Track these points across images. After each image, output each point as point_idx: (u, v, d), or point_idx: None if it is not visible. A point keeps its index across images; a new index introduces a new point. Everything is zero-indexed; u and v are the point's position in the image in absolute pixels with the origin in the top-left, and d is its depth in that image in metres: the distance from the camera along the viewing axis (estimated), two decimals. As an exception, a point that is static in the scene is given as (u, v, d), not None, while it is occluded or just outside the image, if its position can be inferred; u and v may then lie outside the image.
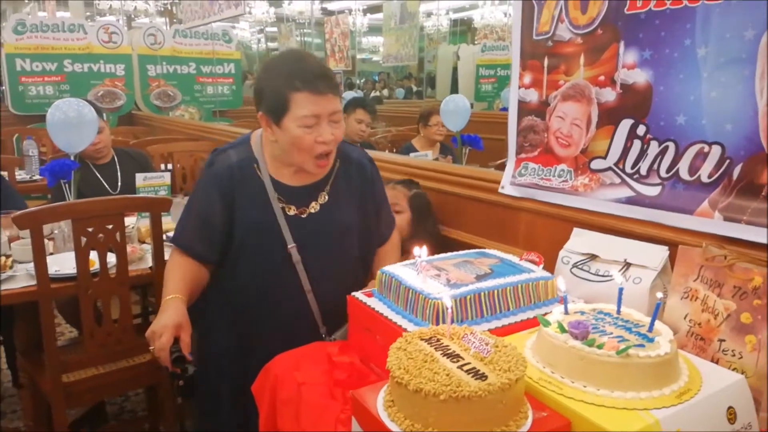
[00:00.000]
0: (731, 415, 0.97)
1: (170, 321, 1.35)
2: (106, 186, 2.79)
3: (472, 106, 8.11)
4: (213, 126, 4.47)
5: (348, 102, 3.92)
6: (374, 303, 1.28)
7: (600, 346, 0.96)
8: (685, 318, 1.18)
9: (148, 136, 4.67)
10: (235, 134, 3.72)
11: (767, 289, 1.03)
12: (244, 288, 1.53)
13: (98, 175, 2.80)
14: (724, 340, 1.09)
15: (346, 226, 1.58)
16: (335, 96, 1.45)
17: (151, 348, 1.34)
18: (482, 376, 0.86)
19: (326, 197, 1.57)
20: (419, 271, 1.24)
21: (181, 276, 1.49)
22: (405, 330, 1.15)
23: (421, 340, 0.99)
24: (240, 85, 6.26)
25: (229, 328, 1.55)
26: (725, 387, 0.98)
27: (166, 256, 2.04)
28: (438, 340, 0.99)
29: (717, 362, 1.10)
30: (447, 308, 1.01)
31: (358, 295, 1.33)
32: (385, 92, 11.34)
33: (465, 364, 0.90)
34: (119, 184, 2.82)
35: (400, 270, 1.29)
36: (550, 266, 1.47)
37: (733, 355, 1.07)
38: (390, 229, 1.71)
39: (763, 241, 1.14)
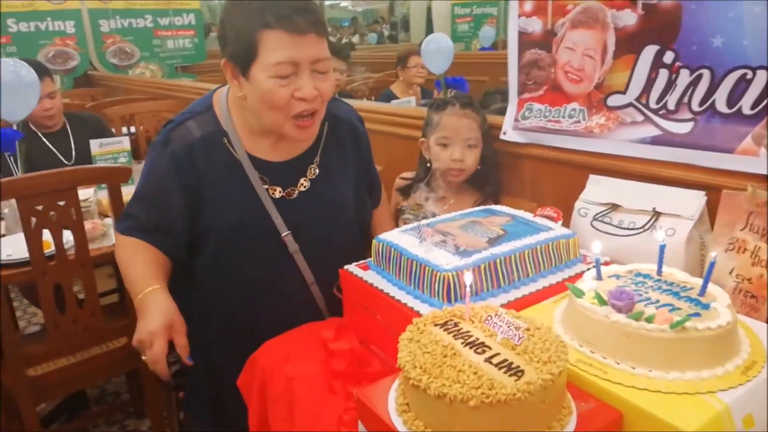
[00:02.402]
0: (801, 387, 0.83)
1: (158, 323, 1.08)
2: (60, 157, 2.52)
3: (448, 47, 7.83)
4: (176, 83, 4.16)
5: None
6: (371, 277, 1.10)
7: (650, 319, 0.80)
8: (731, 273, 1.03)
9: (108, 97, 4.34)
10: (203, 91, 3.44)
11: (837, 238, 0.88)
12: (233, 287, 1.26)
13: (49, 145, 2.53)
14: (781, 298, 0.94)
15: (342, 202, 1.33)
16: (320, 37, 1.13)
17: (143, 358, 1.09)
18: (518, 372, 0.70)
19: (316, 170, 1.29)
20: (422, 238, 1.06)
21: (147, 260, 1.20)
22: (411, 308, 0.98)
23: (436, 326, 0.82)
24: (202, 38, 5.84)
25: (223, 330, 1.29)
26: (793, 355, 0.84)
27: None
28: (456, 326, 0.82)
29: (774, 323, 0.95)
30: (465, 286, 0.84)
31: (352, 268, 1.15)
32: (356, 38, 10.87)
33: (494, 356, 0.74)
34: (73, 153, 2.55)
35: (398, 237, 1.11)
36: (564, 219, 1.30)
37: (793, 315, 0.93)
38: (380, 189, 1.51)
39: (821, 180, 0.98)
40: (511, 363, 0.72)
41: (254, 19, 1.10)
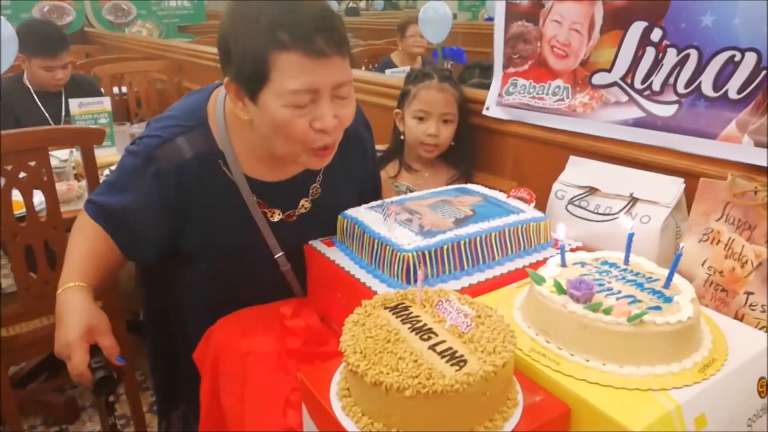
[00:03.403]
0: (762, 387, 0.81)
1: (75, 333, 0.94)
2: (48, 118, 2.46)
3: (455, 16, 7.64)
4: (172, 44, 4.05)
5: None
6: (334, 254, 1.07)
7: (607, 311, 0.77)
8: (703, 264, 0.99)
9: (103, 55, 4.25)
10: (198, 53, 3.35)
11: (812, 234, 0.84)
12: (219, 294, 1.14)
13: (40, 106, 2.47)
14: (752, 293, 0.91)
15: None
16: (342, 58, 0.96)
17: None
18: (460, 362, 0.67)
19: (319, 190, 1.17)
20: (386, 216, 1.02)
21: (88, 249, 1.07)
22: (369, 288, 0.95)
23: (386, 309, 0.79)
24: (202, -3, 5.71)
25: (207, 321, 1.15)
26: (756, 354, 0.81)
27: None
28: (406, 309, 0.79)
29: (742, 319, 0.92)
30: (419, 266, 0.81)
31: (316, 243, 1.12)
32: (363, 4, 10.63)
33: (438, 344, 0.71)
34: (63, 116, 2.49)
35: (364, 214, 1.07)
36: (542, 201, 1.26)
37: (763, 311, 0.90)
38: (380, 187, 1.39)
39: (804, 171, 0.93)
40: (455, 352, 0.69)
41: (265, 37, 0.92)
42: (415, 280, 0.94)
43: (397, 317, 0.77)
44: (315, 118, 0.96)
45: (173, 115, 1.12)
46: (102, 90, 2.92)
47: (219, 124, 1.08)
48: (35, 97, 2.48)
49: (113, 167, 2.03)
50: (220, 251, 1.12)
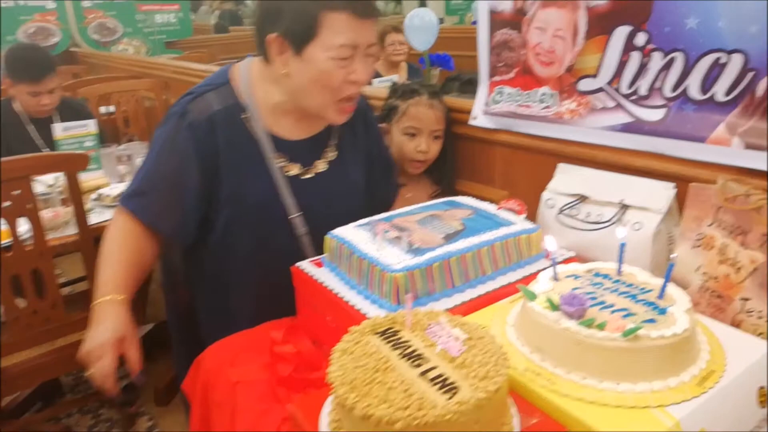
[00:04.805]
0: (763, 397, 0.79)
1: (109, 336, 1.02)
2: (38, 145, 2.37)
3: (442, 20, 7.63)
4: (157, 61, 4.01)
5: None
6: (323, 275, 1.05)
7: (601, 326, 0.75)
8: (697, 270, 0.97)
9: (91, 75, 4.22)
10: (184, 70, 3.33)
11: (806, 238, 0.82)
12: (242, 263, 1.23)
13: (29, 133, 2.39)
14: (748, 299, 0.89)
15: (356, 189, 1.32)
16: (375, 22, 1.16)
17: (87, 373, 1.02)
18: (452, 389, 0.65)
19: (335, 152, 1.29)
20: (374, 235, 1.00)
21: (124, 259, 1.14)
22: (358, 311, 0.93)
23: (375, 334, 0.77)
24: (188, 12, 5.68)
25: (241, 298, 1.25)
26: (754, 362, 0.79)
27: (93, 220, 1.80)
28: (396, 334, 0.77)
29: (739, 325, 0.90)
30: (409, 286, 0.79)
31: (305, 265, 1.10)
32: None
33: (430, 370, 0.69)
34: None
35: (352, 233, 1.05)
36: (533, 210, 1.24)
37: (760, 317, 0.88)
38: (396, 182, 1.45)
39: (795, 173, 0.92)
40: (446, 378, 0.67)
41: None
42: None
43: (387, 343, 0.75)
44: (352, 71, 1.13)
45: (201, 83, 1.25)
46: (91, 112, 2.87)
47: (243, 83, 1.21)
48: (26, 123, 2.43)
49: (102, 190, 2.03)
50: (241, 203, 1.19)
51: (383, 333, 0.77)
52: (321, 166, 1.27)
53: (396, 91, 1.52)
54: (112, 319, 1.04)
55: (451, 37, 4.48)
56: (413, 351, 0.73)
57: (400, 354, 0.72)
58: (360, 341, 0.75)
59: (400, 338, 0.76)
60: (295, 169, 1.23)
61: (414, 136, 1.46)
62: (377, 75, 3.35)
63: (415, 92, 1.47)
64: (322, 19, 1.08)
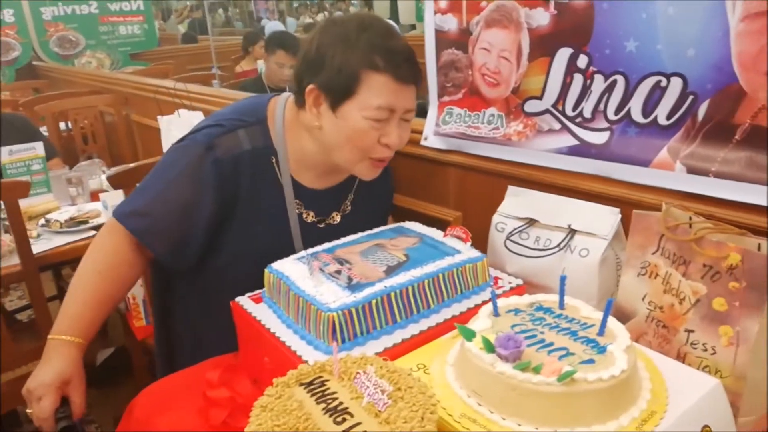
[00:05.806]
0: (705, 436, 0.76)
1: (54, 378, 1.00)
2: None
3: (414, 27, 7.63)
4: (117, 76, 3.88)
5: (266, 41, 3.50)
6: (261, 312, 1.01)
7: (537, 369, 0.72)
8: (643, 299, 0.95)
9: (53, 90, 4.11)
10: (142, 86, 3.23)
11: (746, 269, 0.80)
12: (221, 295, 1.12)
13: None
14: (692, 331, 0.87)
15: None
16: (416, 89, 1.14)
17: (28, 411, 1.01)
18: (373, 449, 0.62)
19: (349, 206, 1.29)
20: (312, 270, 0.97)
21: (98, 299, 1.09)
22: (294, 353, 0.89)
23: (301, 385, 0.73)
24: (152, 23, 5.58)
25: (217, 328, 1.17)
26: (698, 400, 0.77)
27: (37, 249, 1.73)
28: (323, 384, 0.73)
29: (684, 358, 0.88)
30: (345, 325, 0.76)
31: (243, 300, 1.06)
32: (320, 17, 10.60)
33: (353, 427, 0.65)
34: None
35: (290, 268, 1.01)
36: (485, 233, 1.22)
37: (705, 350, 0.86)
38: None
39: (736, 198, 0.90)
40: (370, 436, 0.63)
41: (362, 56, 1.07)
42: (343, 341, 0.89)
43: (311, 395, 0.71)
44: (384, 134, 1.11)
45: (234, 110, 1.21)
46: (38, 128, 2.77)
47: (278, 125, 1.18)
48: None
49: (50, 215, 1.95)
50: (252, 244, 1.17)
51: (309, 384, 0.73)
52: (335, 218, 1.27)
53: None
54: (61, 361, 1.02)
55: (422, 45, 4.46)
56: (339, 404, 0.69)
57: (324, 409, 0.68)
58: (282, 395, 0.71)
59: (326, 389, 0.72)
60: (310, 217, 1.23)
61: None
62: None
63: None
64: (363, 78, 1.07)
